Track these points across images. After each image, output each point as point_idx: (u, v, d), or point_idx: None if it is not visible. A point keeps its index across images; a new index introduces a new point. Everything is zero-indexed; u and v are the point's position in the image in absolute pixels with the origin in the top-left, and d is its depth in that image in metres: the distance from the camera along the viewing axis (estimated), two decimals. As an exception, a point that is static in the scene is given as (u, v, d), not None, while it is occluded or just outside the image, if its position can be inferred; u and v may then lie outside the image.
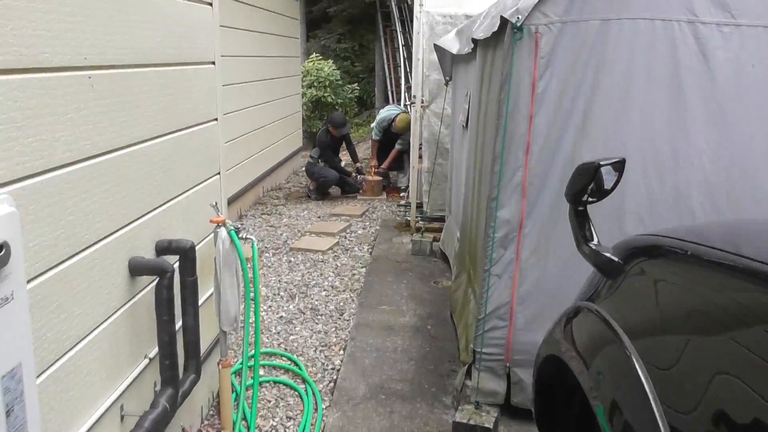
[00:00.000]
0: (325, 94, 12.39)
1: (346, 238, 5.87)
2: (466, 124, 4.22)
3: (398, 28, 13.32)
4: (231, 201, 6.05)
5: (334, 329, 3.96)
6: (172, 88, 2.51)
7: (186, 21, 2.66)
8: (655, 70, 2.55)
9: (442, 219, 5.71)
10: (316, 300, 4.41)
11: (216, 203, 2.78)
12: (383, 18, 14.76)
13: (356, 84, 13.86)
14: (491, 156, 2.79)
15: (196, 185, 2.83)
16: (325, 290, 4.60)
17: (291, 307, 4.31)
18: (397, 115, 7.30)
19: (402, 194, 7.49)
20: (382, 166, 7.63)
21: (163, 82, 2.43)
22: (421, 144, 5.85)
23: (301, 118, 12.03)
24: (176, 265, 2.42)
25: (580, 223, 1.66)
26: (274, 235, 5.91)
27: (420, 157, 5.90)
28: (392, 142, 7.51)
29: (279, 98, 7.95)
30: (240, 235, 2.69)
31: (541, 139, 2.64)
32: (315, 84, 12.39)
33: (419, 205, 5.98)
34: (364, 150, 11.24)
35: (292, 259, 5.24)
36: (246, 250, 2.81)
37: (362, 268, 5.05)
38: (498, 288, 2.81)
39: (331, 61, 12.99)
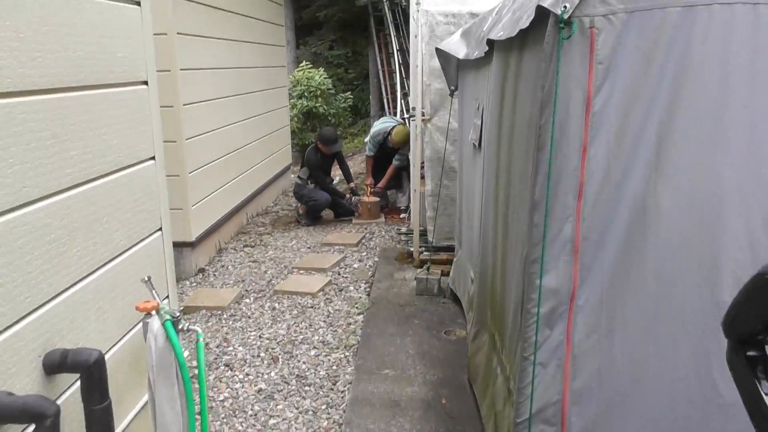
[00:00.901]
0: (317, 105, 11.67)
1: (339, 274, 5.09)
2: (479, 143, 3.46)
3: (392, 32, 12.61)
4: (208, 234, 5.28)
5: (324, 406, 3.18)
6: (72, 122, 1.73)
7: (99, 27, 1.89)
8: (764, 73, 1.78)
9: (449, 249, 4.94)
10: (304, 363, 3.63)
11: (148, 278, 2.00)
12: (376, 22, 14.03)
13: (350, 92, 13.08)
14: (527, 201, 2.01)
15: (121, 253, 2.05)
16: (314, 348, 3.82)
17: (273, 374, 3.53)
18: (393, 127, 6.53)
19: (402, 216, 6.72)
20: (379, 185, 6.86)
21: (56, 114, 1.66)
22: (423, 163, 5.08)
23: (290, 132, 11.31)
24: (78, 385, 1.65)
25: (752, 372, 0.89)
26: (256, 274, 5.12)
27: (422, 178, 5.13)
28: (389, 158, 6.75)
29: (262, 113, 7.18)
30: (179, 327, 1.90)
31: (599, 178, 1.87)
32: (306, 94, 11.66)
33: (423, 233, 5.21)
34: (359, 163, 10.47)
35: (277, 306, 4.45)
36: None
37: (359, 314, 4.27)
38: (543, 381, 2.03)
39: (322, 70, 12.26)
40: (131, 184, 2.13)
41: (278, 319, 4.24)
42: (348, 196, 6.63)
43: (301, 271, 5.15)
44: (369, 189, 6.84)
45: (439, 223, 4.98)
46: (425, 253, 5.06)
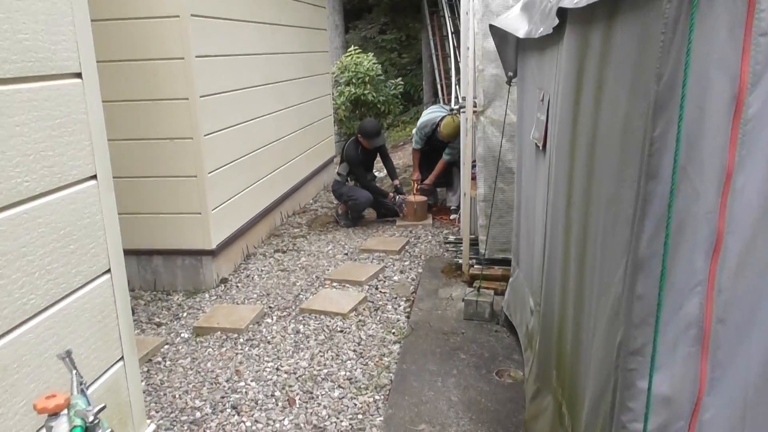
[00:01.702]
0: (365, 92, 11.04)
1: (377, 288, 4.45)
2: (543, 144, 2.74)
3: (446, 14, 11.84)
4: (233, 239, 4.73)
5: (343, 475, 2.55)
6: None
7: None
8: None
9: (505, 262, 4.22)
10: (325, 407, 3.02)
11: (68, 353, 1.39)
12: (430, 3, 13.27)
13: (401, 78, 12.36)
14: (622, 252, 1.31)
15: (28, 320, 1.45)
16: (339, 386, 3.20)
17: (286, 422, 2.93)
18: (443, 117, 5.80)
19: (452, 217, 6.01)
20: (426, 181, 6.16)
21: None
22: (474, 163, 4.36)
23: (333, 121, 10.74)
24: None
25: None
26: (284, 286, 4.54)
27: (473, 179, 4.41)
28: (438, 151, 6.03)
29: (300, 102, 6.58)
30: (96, 435, 1.29)
31: (750, 227, 1.14)
32: (354, 81, 11.04)
33: (473, 243, 4.50)
34: (409, 154, 9.74)
35: (302, 329, 3.85)
36: None
37: (395, 343, 3.62)
38: None
39: (371, 54, 11.59)
40: (53, 216, 1.52)
41: (301, 345, 3.64)
42: (392, 194, 5.96)
43: (334, 284, 4.53)
44: (415, 186, 6.16)
45: (492, 232, 4.26)
46: (476, 266, 4.36)
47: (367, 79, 11.02)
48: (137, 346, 3.62)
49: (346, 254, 5.21)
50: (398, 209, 5.94)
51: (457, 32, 11.74)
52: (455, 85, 13.65)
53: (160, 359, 3.57)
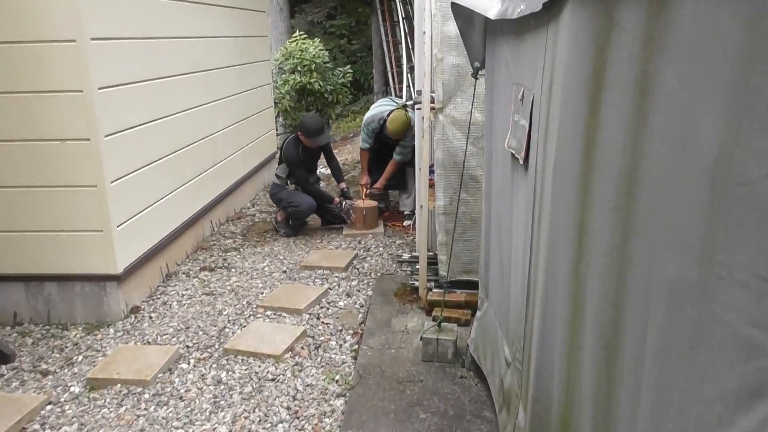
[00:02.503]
0: (312, 80, 10.24)
1: (319, 318, 3.76)
2: (526, 157, 2.11)
3: (397, -2, 11.14)
4: (148, 258, 3.99)
5: None
6: None
7: None
8: None
9: (469, 285, 3.61)
10: (245, 499, 2.32)
11: None
12: (379, -14, 12.54)
13: (349, 66, 11.62)
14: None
15: None
16: (266, 463, 2.51)
17: None
18: (390, 112, 5.13)
19: (406, 223, 5.36)
20: (377, 185, 5.48)
21: None
22: (432, 169, 3.71)
23: (277, 113, 9.96)
24: None
25: None
26: (208, 316, 3.80)
27: (431, 186, 3.75)
28: (388, 150, 5.36)
29: (235, 93, 5.79)
30: None
31: None
32: (299, 68, 10.24)
33: (432, 261, 3.85)
34: (358, 149, 9.05)
35: (224, 377, 3.14)
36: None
37: (339, 397, 2.95)
38: None
39: (317, 40, 10.80)
40: None
41: (222, 402, 2.93)
42: (338, 199, 5.26)
43: (268, 313, 3.82)
44: (365, 190, 5.47)
45: (455, 250, 3.62)
46: (435, 290, 3.72)
47: (313, 66, 10.23)
48: (8, 408, 2.84)
49: (285, 272, 4.49)
50: (345, 216, 5.25)
51: (408, 17, 11.09)
52: (407, 74, 12.99)
53: (37, 426, 2.79)
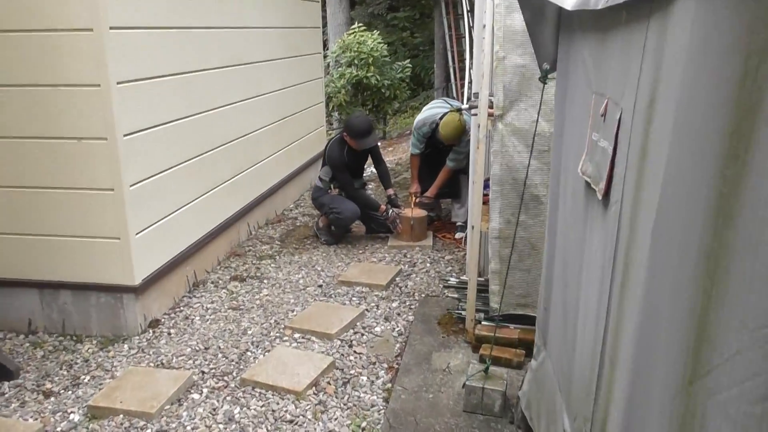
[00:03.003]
0: (368, 74, 9.85)
1: (351, 346, 3.34)
2: (607, 189, 1.62)
3: (462, -12, 10.57)
4: (171, 267, 3.72)
5: None
6: None
7: None
8: None
9: (524, 320, 3.12)
10: None
11: None
12: (444, -23, 12.00)
13: (409, 60, 11.15)
14: None
15: None
16: None
17: None
18: (443, 115, 4.64)
19: (458, 236, 4.88)
20: (428, 193, 5.01)
21: None
22: (487, 184, 3.22)
23: (330, 108, 9.62)
24: None
25: None
26: (231, 335, 3.45)
27: (484, 203, 3.27)
28: (441, 156, 4.89)
29: (280, 88, 5.44)
30: None
31: None
32: (356, 62, 9.87)
33: (482, 288, 3.36)
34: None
35: (237, 414, 2.76)
36: None
37: (363, 451, 2.52)
38: None
39: (376, 33, 10.38)
40: None
41: (231, 447, 2.55)
42: (384, 207, 4.82)
43: (296, 335, 3.43)
44: (414, 198, 5.02)
45: (510, 280, 3.12)
46: (484, 323, 3.24)
47: (370, 60, 9.84)
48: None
49: (320, 286, 4.10)
50: (391, 225, 4.81)
51: (473, 9, 10.54)
52: (469, 69, 12.43)
53: (24, 463, 2.49)
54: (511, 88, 2.91)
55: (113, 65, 3.07)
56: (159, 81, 3.50)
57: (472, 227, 3.14)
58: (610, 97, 1.67)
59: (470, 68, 11.65)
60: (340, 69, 10.09)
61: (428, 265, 4.44)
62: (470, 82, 12.15)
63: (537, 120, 2.68)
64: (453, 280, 3.56)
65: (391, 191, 4.95)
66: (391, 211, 4.79)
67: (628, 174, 1.48)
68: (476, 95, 3.26)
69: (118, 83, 3.12)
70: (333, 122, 11.04)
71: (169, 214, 3.67)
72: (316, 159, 6.72)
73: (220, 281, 4.16)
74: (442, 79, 12.71)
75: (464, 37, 12.39)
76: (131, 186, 3.27)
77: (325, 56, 10.94)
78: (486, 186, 3.25)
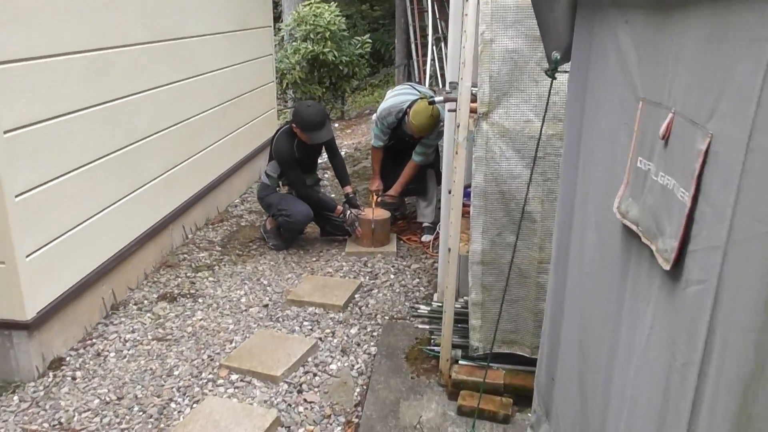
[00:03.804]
0: (325, 50, 9.13)
1: (300, 391, 2.74)
2: (679, 255, 1.01)
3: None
4: (80, 291, 2.99)
5: None
6: None
7: None
8: None
9: (510, 359, 2.57)
10: None
11: None
12: (405, -55, 11.32)
13: (368, 35, 10.43)
14: None
15: None
16: None
17: None
18: (412, 103, 4.03)
19: (425, 239, 4.31)
20: (391, 191, 4.40)
21: None
22: (467, 192, 2.62)
23: (282, 87, 8.90)
24: None
25: None
26: (152, 379, 2.80)
27: (464, 215, 2.67)
28: (405, 149, 4.28)
29: (222, 67, 4.72)
30: None
31: None
32: (311, 36, 9.12)
33: (460, 319, 2.78)
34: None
35: (150, 500, 2.14)
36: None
37: None
38: None
39: (334, 5, 9.62)
40: None
41: None
42: (341, 207, 4.19)
43: (233, 377, 2.81)
44: (375, 197, 4.40)
45: (493, 312, 2.56)
46: (462, 362, 2.68)
47: (327, 34, 9.12)
48: None
49: (266, 306, 3.48)
50: (350, 229, 4.20)
51: (436, -18, 9.90)
52: (432, 45, 11.78)
53: None
54: (499, 79, 2.30)
55: (-16, 42, 2.35)
56: (55, 60, 2.77)
57: (449, 249, 2.55)
58: (679, 112, 1.09)
59: (433, 44, 11.02)
60: (294, 44, 9.33)
61: (392, 276, 3.86)
62: (432, 59, 11.52)
63: (542, 125, 2.09)
64: (423, 308, 2.98)
65: (349, 189, 4.31)
66: (349, 212, 4.17)
67: (732, 247, 0.90)
68: (453, 86, 2.65)
69: (-8, 65, 2.40)
70: (288, 100, 10.29)
71: (75, 227, 2.98)
72: (266, 146, 6.01)
73: (146, 301, 3.48)
74: (404, 55, 12.04)
75: (426, 11, 11.75)
76: (17, 196, 2.57)
77: (279, 29, 10.15)
78: (466, 194, 2.65)
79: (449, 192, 2.55)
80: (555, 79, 1.76)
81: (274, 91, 6.23)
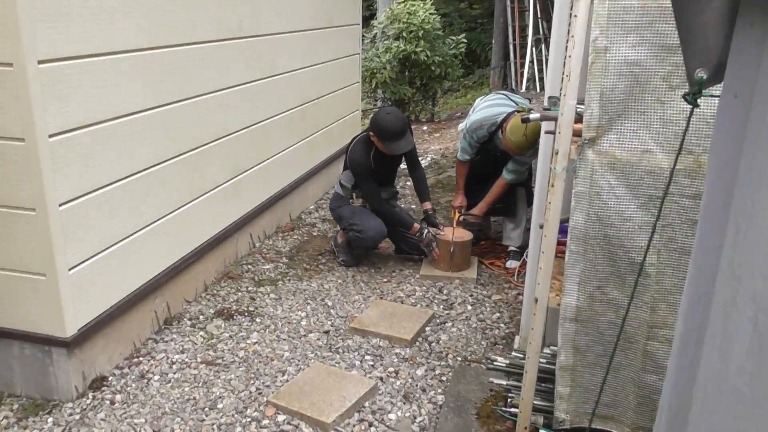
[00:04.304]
0: (417, 49, 8.78)
1: (353, 443, 2.39)
2: None
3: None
4: (127, 307, 2.77)
5: None
6: None
7: None
8: None
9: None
10: None
11: None
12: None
13: (464, 35, 9.95)
14: None
15: None
16: None
17: None
18: (508, 116, 3.57)
19: (510, 265, 3.87)
20: (475, 210, 3.97)
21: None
22: (563, 230, 2.16)
23: (367, 87, 8.64)
24: None
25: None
26: (193, 412, 2.55)
27: (558, 254, 2.21)
28: (494, 163, 3.84)
29: (301, 67, 4.46)
30: None
31: None
32: (404, 34, 8.79)
33: (544, 377, 2.33)
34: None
35: None
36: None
37: None
38: None
39: (429, 2, 9.23)
40: None
41: None
42: (418, 225, 3.81)
43: (279, 418, 2.51)
44: (457, 214, 3.99)
45: (586, 381, 2.10)
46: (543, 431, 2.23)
47: (421, 33, 8.74)
48: None
49: (326, 333, 3.16)
50: (426, 249, 3.81)
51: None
52: (531, 47, 11.15)
53: None
54: (613, 98, 1.84)
55: (32, 37, 2.14)
56: (110, 59, 2.56)
57: (535, 300, 2.11)
58: None
59: (533, 45, 10.39)
60: (386, 42, 9.03)
61: (469, 307, 3.44)
62: (530, 61, 10.88)
63: (676, 159, 1.63)
64: (500, 361, 2.54)
65: (428, 205, 3.92)
66: (426, 231, 3.78)
67: None
68: (553, 101, 2.21)
69: (40, 63, 2.20)
70: (378, 100, 10.02)
71: (127, 237, 2.77)
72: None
73: (201, 317, 3.26)
74: (500, 57, 11.49)
75: (527, 10, 11.15)
76: (61, 205, 2.37)
77: (372, 27, 9.89)
78: (562, 230, 2.19)
79: (543, 234, 2.11)
80: (697, 106, 1.30)
81: (359, 93, 5.93)
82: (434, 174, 5.92)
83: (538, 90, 11.03)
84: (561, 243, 2.15)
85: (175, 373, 2.78)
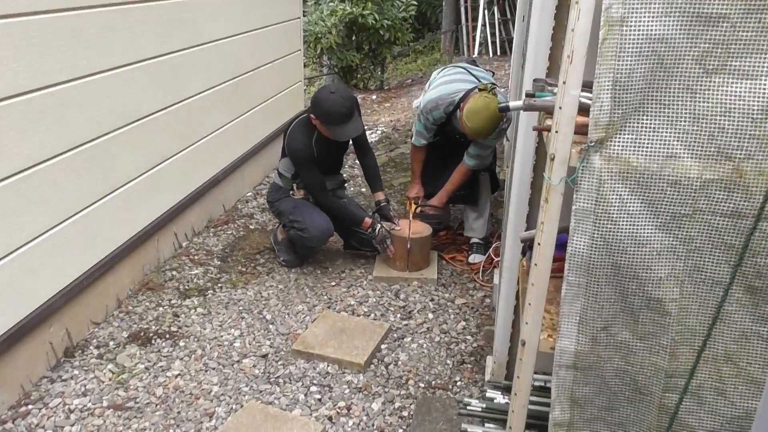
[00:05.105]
0: (365, 12, 8.19)
1: None
2: None
3: None
4: (20, 335, 2.19)
5: None
6: None
7: None
8: None
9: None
10: None
11: None
12: None
13: (415, -5, 9.35)
14: None
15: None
16: None
17: None
18: (467, 93, 3.07)
19: (474, 260, 3.44)
20: (433, 200, 3.50)
21: None
22: (560, 244, 1.70)
23: (311, 53, 8.04)
24: None
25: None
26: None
27: (555, 274, 1.75)
28: (455, 149, 3.36)
29: (231, 35, 3.84)
30: None
31: None
32: (350, -5, 8.19)
33: (536, 413, 1.90)
34: (411, 114, 6.85)
35: None
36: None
37: None
38: None
39: (376, -39, 8.59)
40: None
41: None
42: (370, 220, 3.31)
43: (205, 483, 2.01)
44: (413, 206, 3.51)
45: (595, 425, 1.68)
46: (531, 497, 1.81)
47: (368, -6, 8.15)
48: None
49: (264, 357, 2.66)
50: (379, 247, 3.33)
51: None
52: (483, 10, 10.63)
53: None
54: (630, 85, 1.37)
55: None
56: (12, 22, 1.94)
57: (523, 342, 1.66)
58: None
59: (485, 7, 9.84)
60: (331, 4, 8.39)
61: (430, 315, 3.00)
62: (483, 26, 10.30)
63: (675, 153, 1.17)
64: (475, 404, 2.07)
65: (381, 195, 3.42)
66: (379, 226, 3.29)
67: None
68: (539, 85, 1.72)
69: None
70: (324, 66, 9.38)
71: (9, 254, 2.18)
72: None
73: (111, 343, 2.70)
74: (451, 20, 10.95)
75: (480, -31, 10.59)
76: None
77: (315, -13, 9.20)
78: (559, 242, 1.72)
79: (537, 253, 1.64)
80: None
81: (301, 61, 5.33)
82: (385, 151, 5.41)
83: (491, 55, 10.57)
84: (557, 259, 1.69)
85: (73, 425, 2.24)
